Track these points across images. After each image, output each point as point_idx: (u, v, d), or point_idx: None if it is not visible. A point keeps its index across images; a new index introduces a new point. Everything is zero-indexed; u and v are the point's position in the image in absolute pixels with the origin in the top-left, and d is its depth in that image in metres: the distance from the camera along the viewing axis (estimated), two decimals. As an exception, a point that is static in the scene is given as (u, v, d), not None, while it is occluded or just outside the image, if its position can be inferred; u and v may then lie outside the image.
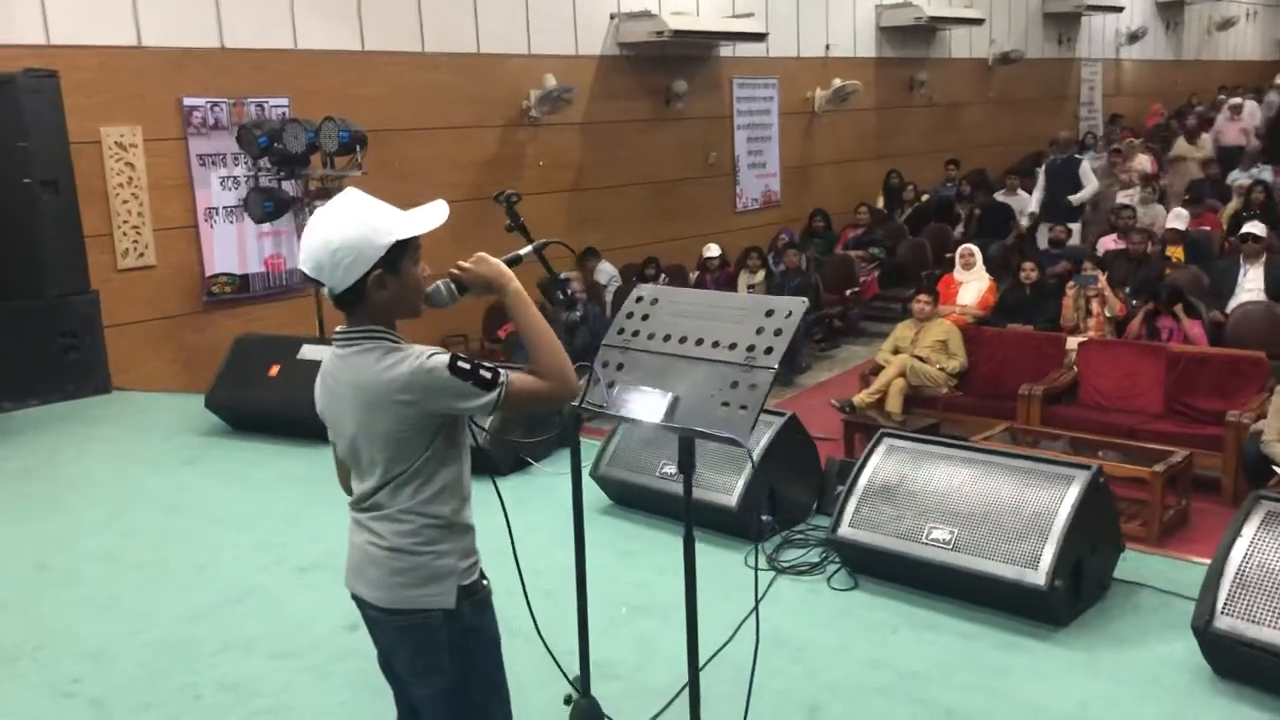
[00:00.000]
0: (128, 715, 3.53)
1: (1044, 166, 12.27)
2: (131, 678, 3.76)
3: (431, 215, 2.26)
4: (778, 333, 2.63)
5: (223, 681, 3.71)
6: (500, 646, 2.42)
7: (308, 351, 6.54)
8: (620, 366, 2.85)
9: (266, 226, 8.26)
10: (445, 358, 2.20)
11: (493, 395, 2.21)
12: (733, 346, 2.68)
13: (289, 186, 7.64)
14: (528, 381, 2.28)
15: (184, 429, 6.71)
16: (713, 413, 2.61)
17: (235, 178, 8.34)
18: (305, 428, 6.29)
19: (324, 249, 2.19)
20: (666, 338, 2.82)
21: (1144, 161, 13.45)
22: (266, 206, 7.42)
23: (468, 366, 2.20)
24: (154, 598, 4.41)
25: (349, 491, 2.45)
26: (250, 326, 7.93)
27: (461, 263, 2.35)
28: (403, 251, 2.23)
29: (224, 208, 8.33)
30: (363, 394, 2.23)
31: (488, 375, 2.22)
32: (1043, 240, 11.07)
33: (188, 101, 8.10)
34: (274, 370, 6.51)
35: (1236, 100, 15.70)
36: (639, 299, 2.97)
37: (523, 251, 2.59)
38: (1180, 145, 13.95)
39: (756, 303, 2.76)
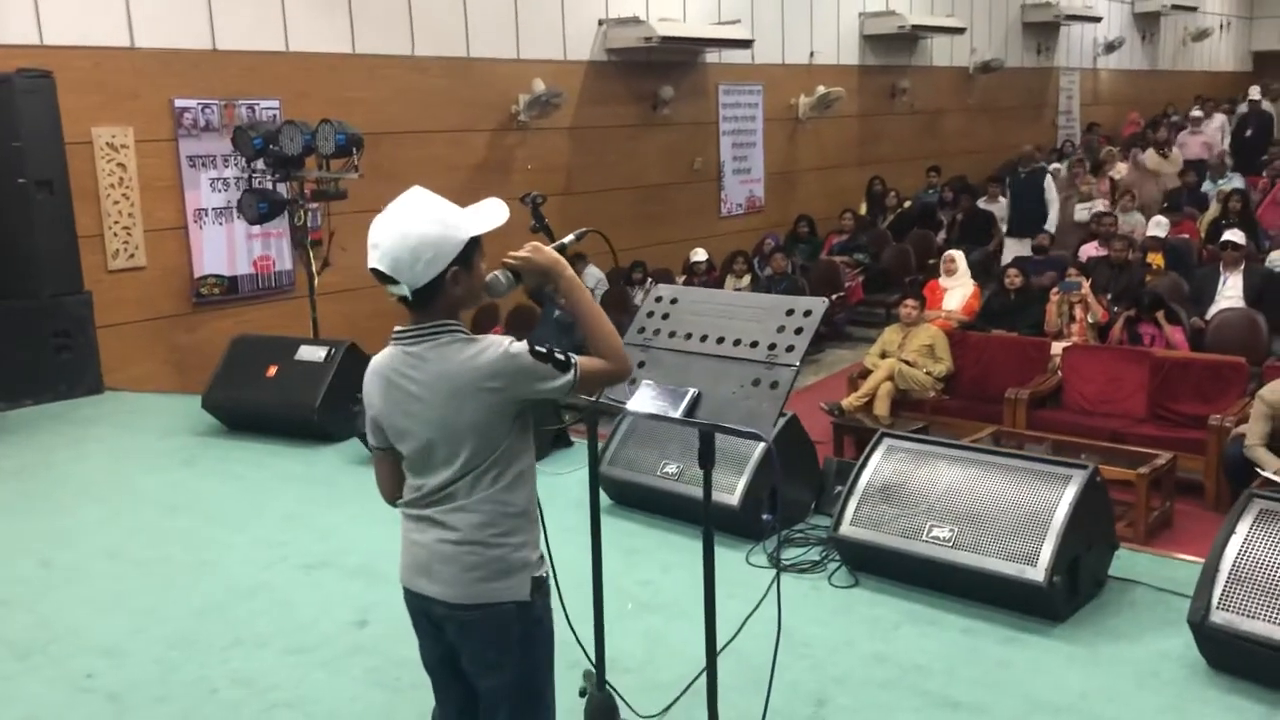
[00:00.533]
0: (146, 708, 3.56)
1: (1009, 181, 12.14)
2: (146, 672, 3.79)
3: (495, 213, 2.33)
4: (798, 331, 2.71)
5: (236, 676, 3.75)
6: (554, 637, 2.47)
7: (305, 352, 6.58)
8: (641, 364, 2.92)
9: (255, 228, 8.27)
10: (524, 345, 2.28)
11: (569, 376, 2.29)
12: (754, 345, 2.75)
13: (283, 188, 7.66)
14: (594, 363, 2.36)
15: (180, 429, 6.72)
16: (735, 408, 2.68)
17: (225, 179, 8.35)
18: (303, 428, 6.35)
19: (403, 246, 2.22)
20: (688, 336, 2.89)
21: (1121, 169, 13.62)
22: (261, 208, 7.43)
23: (544, 351, 2.28)
24: (160, 595, 4.44)
25: (391, 496, 2.48)
26: (240, 327, 7.94)
27: (516, 253, 2.39)
28: (475, 248, 2.30)
29: (213, 209, 8.34)
30: (448, 384, 2.25)
31: (562, 358, 2.30)
32: (1008, 255, 10.87)
33: (179, 103, 8.11)
34: (271, 371, 6.54)
35: (1198, 113, 15.76)
36: (659, 298, 3.04)
37: (567, 240, 2.66)
38: (1150, 157, 13.88)
39: (777, 302, 2.84)
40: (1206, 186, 12.93)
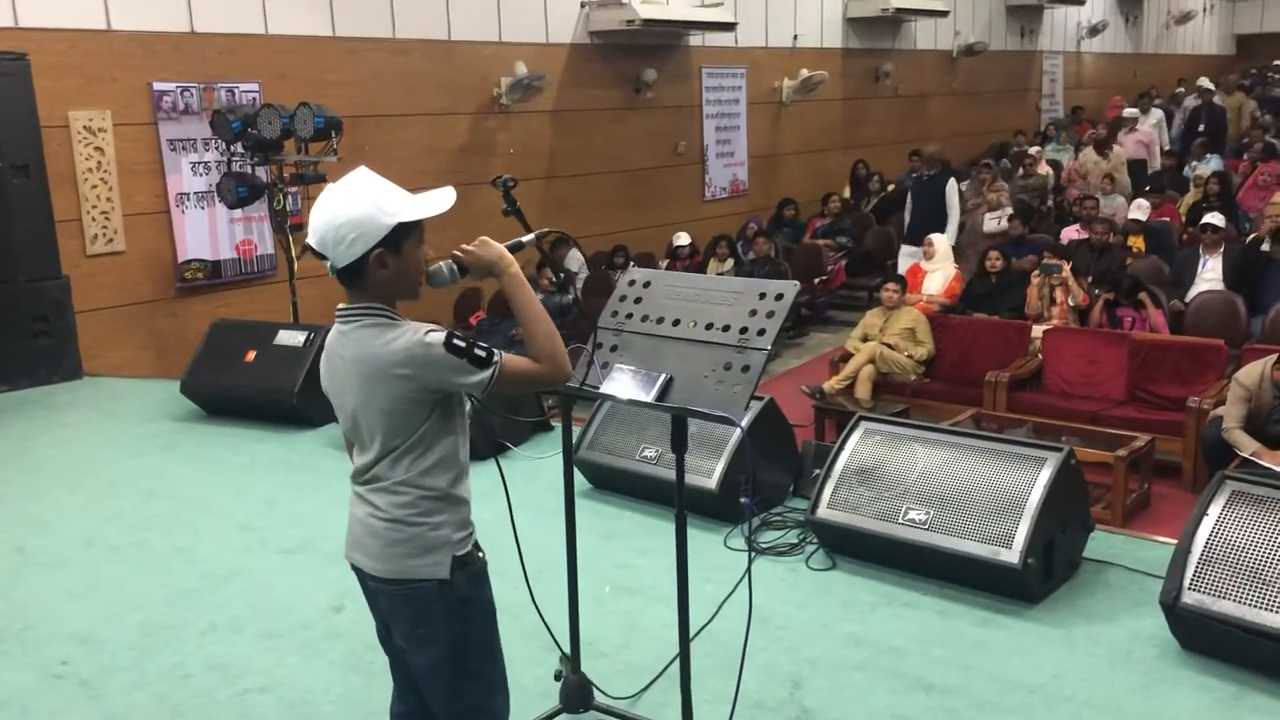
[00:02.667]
0: (118, 695, 3.55)
1: (910, 184, 11.11)
2: (120, 658, 3.78)
3: (438, 201, 2.34)
4: (770, 315, 2.71)
5: (211, 661, 3.74)
6: (495, 616, 2.49)
7: (284, 337, 6.56)
8: (614, 348, 2.92)
9: (238, 212, 8.24)
10: (442, 335, 2.26)
11: (486, 374, 2.28)
12: (726, 328, 2.75)
13: (262, 172, 7.62)
14: (521, 363, 2.35)
15: (159, 414, 6.69)
16: (706, 392, 2.68)
17: (206, 163, 8.30)
18: (282, 413, 6.34)
19: (330, 224, 2.27)
20: (660, 320, 2.89)
21: (1003, 189, 12.06)
22: (240, 192, 7.39)
23: (463, 344, 2.27)
24: (137, 580, 4.42)
25: None
26: (222, 312, 7.90)
27: (464, 245, 2.41)
28: (406, 233, 2.30)
29: (195, 193, 8.29)
30: (363, 368, 2.30)
31: (482, 354, 2.28)
32: (903, 264, 9.96)
33: (158, 86, 8.05)
34: (250, 356, 6.51)
35: (1132, 111, 14.69)
36: (631, 282, 3.04)
37: (524, 239, 2.65)
38: (1087, 156, 12.86)
39: (749, 285, 2.84)
40: (1186, 170, 12.95)
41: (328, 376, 2.43)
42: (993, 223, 10.52)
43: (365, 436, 2.37)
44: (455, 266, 2.42)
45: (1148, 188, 11.66)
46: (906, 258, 10.08)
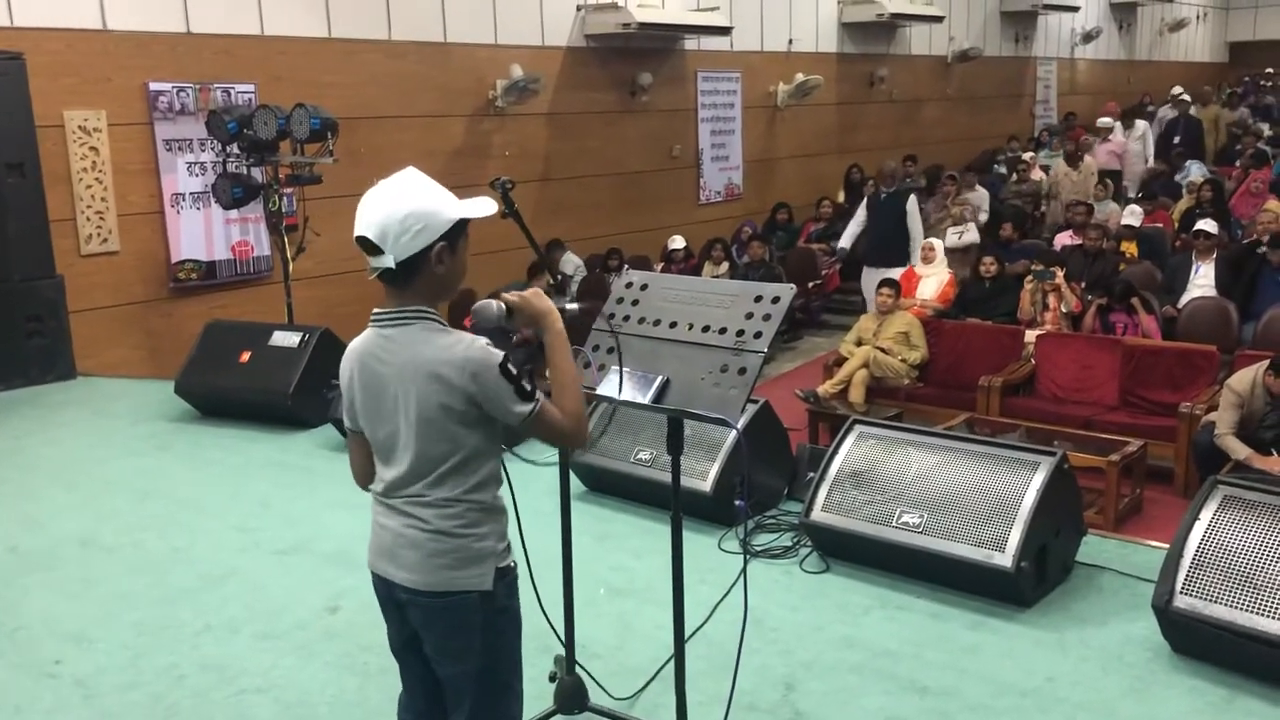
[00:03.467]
0: (113, 695, 3.55)
1: (865, 200, 10.38)
2: (114, 659, 3.78)
3: (484, 205, 2.33)
4: (766, 318, 2.72)
5: (206, 662, 3.74)
6: (522, 627, 2.48)
7: (279, 338, 6.56)
8: (610, 350, 2.93)
9: (234, 213, 8.23)
10: (499, 355, 2.25)
11: (526, 408, 2.27)
12: (722, 331, 2.76)
13: (258, 173, 7.62)
14: (555, 413, 2.33)
15: (153, 415, 6.68)
16: (703, 395, 2.70)
17: (202, 163, 8.30)
18: (277, 414, 6.34)
19: (393, 215, 2.22)
20: (656, 322, 2.90)
21: (983, 197, 12.14)
22: (235, 193, 7.39)
23: (514, 372, 2.26)
24: (131, 580, 4.42)
25: (364, 480, 2.48)
26: (216, 313, 7.90)
27: (517, 293, 2.43)
28: (461, 231, 2.31)
29: (191, 194, 8.29)
30: (415, 369, 2.25)
31: (528, 388, 2.27)
32: (868, 288, 9.44)
33: (153, 86, 8.05)
34: (245, 357, 6.52)
35: (1106, 120, 14.44)
36: (629, 284, 3.05)
37: (568, 305, 2.62)
38: (1059, 168, 12.54)
39: (745, 288, 2.85)
40: (1183, 174, 12.98)
41: (357, 382, 2.36)
42: (954, 237, 10.20)
43: (405, 445, 2.30)
44: (504, 308, 2.42)
45: (1140, 194, 11.71)
46: (869, 281, 9.52)
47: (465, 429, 2.27)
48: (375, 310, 2.34)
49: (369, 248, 2.25)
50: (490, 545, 2.34)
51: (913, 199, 9.72)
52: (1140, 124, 14.65)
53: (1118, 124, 14.58)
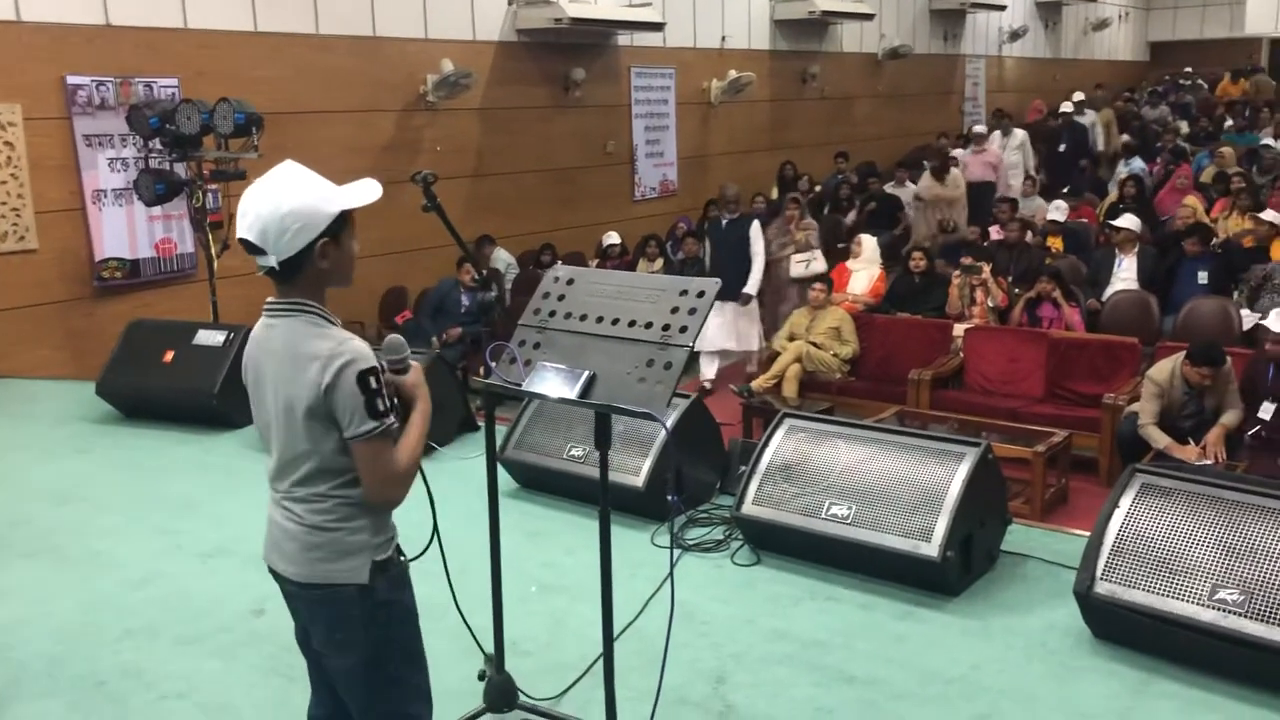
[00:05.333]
0: (29, 702, 3.45)
1: (707, 228, 9.64)
2: (29, 667, 3.68)
3: (367, 191, 2.29)
4: (692, 312, 2.72)
5: (126, 668, 3.66)
6: (417, 620, 2.46)
7: (203, 337, 6.44)
8: (537, 345, 2.91)
9: (157, 210, 8.04)
10: (364, 365, 2.20)
11: (369, 425, 2.20)
12: (648, 325, 2.76)
13: (181, 169, 7.46)
14: (394, 454, 2.27)
15: (73, 417, 6.52)
16: (629, 389, 2.69)
17: (124, 159, 8.09)
18: (201, 414, 6.22)
19: (273, 215, 2.20)
20: (583, 317, 2.89)
21: (811, 228, 10.38)
22: (158, 189, 7.23)
23: (374, 387, 2.21)
24: (49, 586, 4.31)
25: None
26: (141, 312, 7.71)
27: (411, 375, 2.44)
28: (345, 223, 2.28)
29: (113, 190, 8.08)
30: (285, 361, 2.25)
31: (382, 408, 2.22)
32: (713, 325, 8.46)
33: (71, 80, 7.83)
34: (168, 356, 6.39)
35: (980, 128, 13.47)
36: (555, 279, 3.03)
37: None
38: (926, 181, 11.85)
39: (671, 283, 2.85)
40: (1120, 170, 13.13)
41: (251, 371, 2.37)
42: (800, 266, 9.39)
43: (278, 437, 2.32)
44: (405, 365, 2.44)
45: (1066, 190, 11.89)
46: (715, 317, 8.53)
47: (323, 426, 2.24)
48: (266, 300, 2.33)
49: (251, 249, 2.24)
50: (364, 539, 2.32)
51: (755, 225, 9.08)
52: (1019, 133, 13.66)
53: (995, 133, 13.65)
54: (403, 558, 2.42)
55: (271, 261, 2.23)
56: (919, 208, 11.76)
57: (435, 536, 2.58)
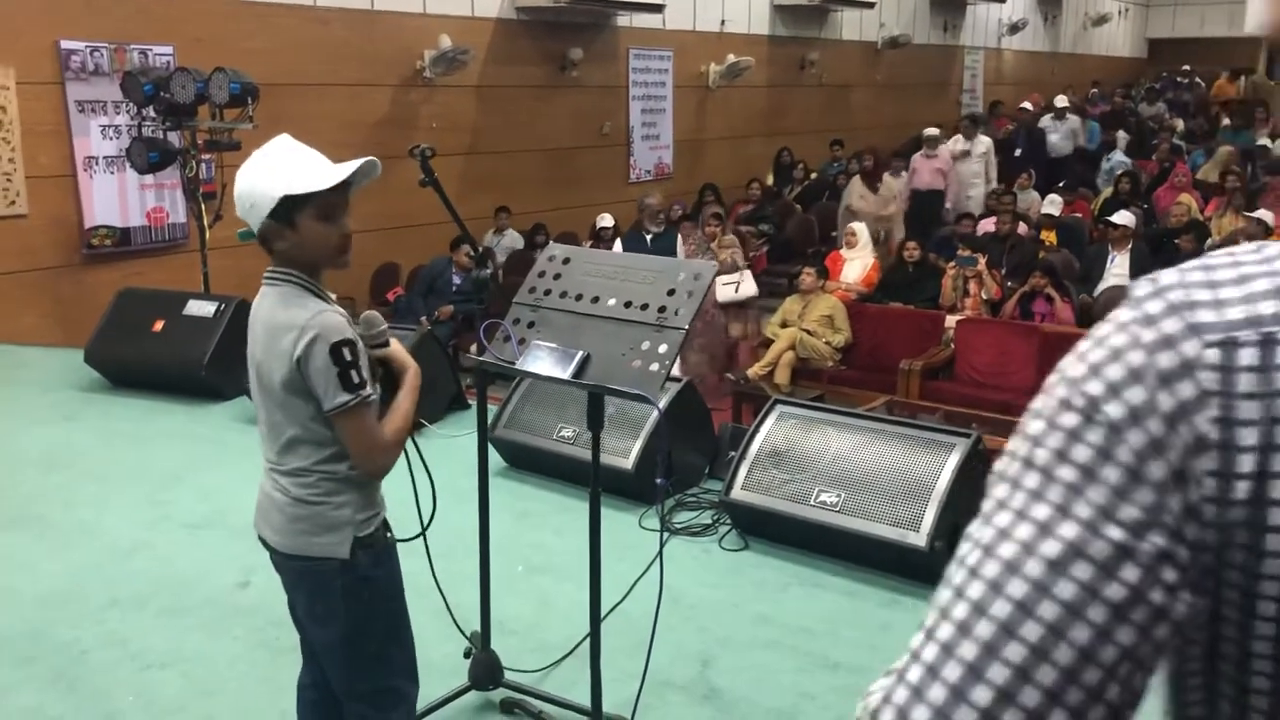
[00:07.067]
0: (10, 669, 3.44)
1: (624, 241, 8.54)
2: (13, 632, 3.67)
3: (322, 175, 2.22)
4: (689, 295, 2.71)
5: (111, 637, 3.65)
6: (402, 598, 2.46)
7: (193, 307, 6.41)
8: (531, 324, 2.90)
9: (149, 179, 7.98)
10: (343, 335, 2.19)
11: (343, 399, 2.19)
12: (644, 307, 2.75)
13: (175, 137, 7.40)
14: (372, 422, 2.25)
15: (61, 384, 6.49)
16: (623, 371, 2.68)
17: (117, 126, 8.04)
18: (190, 384, 6.19)
19: (240, 189, 2.26)
20: (579, 297, 2.88)
21: (734, 245, 9.39)
22: (151, 157, 7.17)
23: (348, 359, 2.19)
24: (35, 552, 4.29)
25: None
26: (131, 281, 7.66)
27: (397, 348, 2.43)
28: (297, 206, 2.21)
29: (104, 157, 8.03)
30: (265, 331, 2.27)
31: (356, 380, 2.20)
32: None
33: (65, 44, 7.77)
34: (158, 325, 6.35)
35: (933, 131, 12.24)
36: (551, 258, 3.02)
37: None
38: (855, 189, 10.97)
39: (668, 265, 2.84)
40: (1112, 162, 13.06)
41: (249, 341, 2.38)
42: (729, 289, 8.55)
43: (261, 403, 2.35)
44: (384, 340, 2.42)
45: (1062, 184, 11.83)
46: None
47: (298, 399, 2.24)
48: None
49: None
50: (348, 515, 2.32)
51: (678, 238, 8.60)
52: (984, 140, 12.29)
53: (957, 137, 12.45)
54: (389, 535, 2.41)
55: (252, 230, 2.29)
56: (847, 218, 10.58)
57: (433, 516, 2.58)
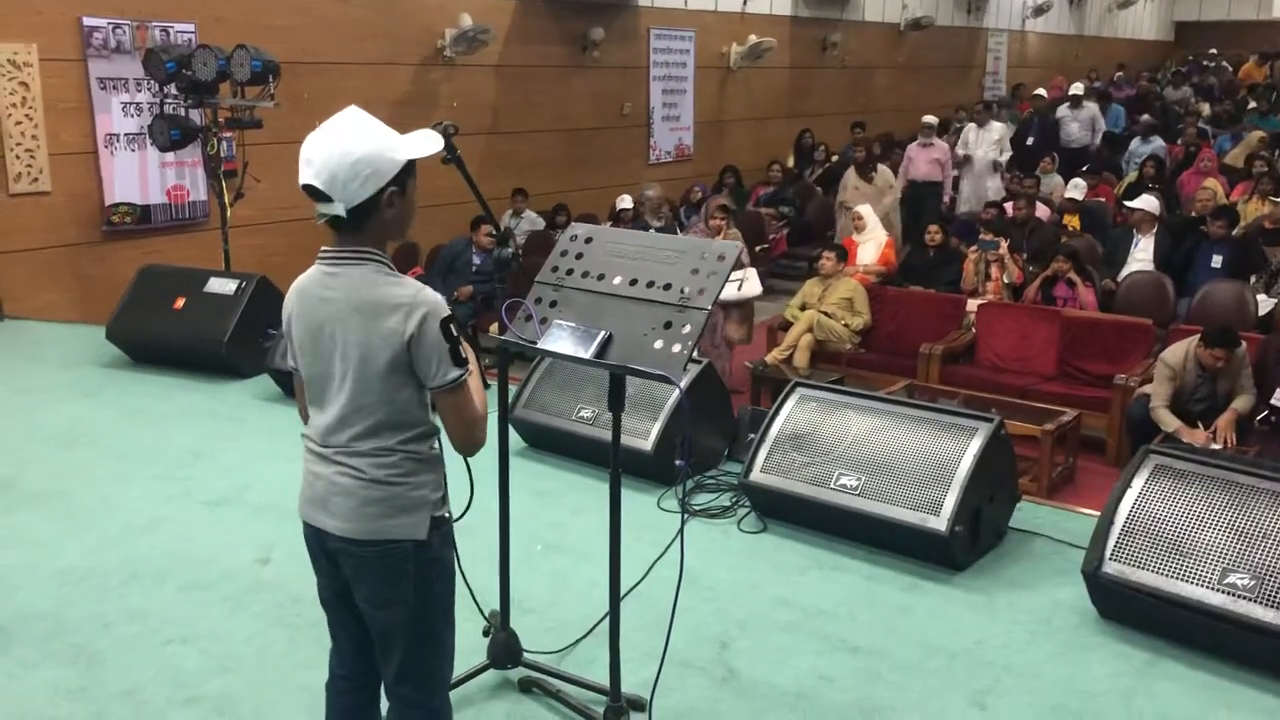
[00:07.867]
0: (35, 642, 3.46)
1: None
2: (36, 606, 3.69)
3: (429, 141, 2.27)
4: (711, 275, 2.69)
5: (131, 611, 3.67)
6: (455, 578, 2.45)
7: (215, 285, 6.42)
8: (554, 304, 2.89)
9: (170, 156, 8.01)
10: (444, 313, 2.19)
11: (456, 373, 2.20)
12: (667, 287, 2.73)
13: (196, 115, 7.40)
14: (474, 401, 2.25)
15: (83, 360, 6.52)
16: (645, 351, 2.66)
17: (139, 104, 8.05)
18: (210, 362, 6.22)
19: (342, 161, 2.15)
20: (601, 276, 2.86)
21: (739, 240, 8.36)
22: (173, 135, 7.18)
23: (455, 334, 2.19)
24: (56, 528, 4.32)
25: (307, 419, 2.40)
26: (151, 258, 7.69)
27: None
28: (412, 170, 2.24)
29: (126, 134, 8.04)
30: (359, 308, 2.19)
31: (464, 355, 2.21)
32: None
33: (88, 21, 7.77)
34: (179, 303, 6.38)
35: (930, 119, 11.97)
36: (573, 237, 3.00)
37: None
38: (849, 181, 10.76)
39: (691, 245, 2.81)
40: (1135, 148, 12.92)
41: (297, 315, 2.29)
42: (732, 287, 7.82)
43: (334, 388, 2.25)
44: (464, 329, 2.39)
45: (1085, 168, 11.74)
46: None
47: (400, 376, 2.21)
48: (323, 248, 2.27)
49: (317, 195, 2.18)
50: (425, 495, 2.30)
51: (678, 230, 8.46)
52: (997, 126, 11.94)
53: (969, 125, 12.19)
54: (449, 514, 2.39)
55: (338, 209, 2.17)
56: (842, 212, 10.57)
57: (471, 498, 2.57)
